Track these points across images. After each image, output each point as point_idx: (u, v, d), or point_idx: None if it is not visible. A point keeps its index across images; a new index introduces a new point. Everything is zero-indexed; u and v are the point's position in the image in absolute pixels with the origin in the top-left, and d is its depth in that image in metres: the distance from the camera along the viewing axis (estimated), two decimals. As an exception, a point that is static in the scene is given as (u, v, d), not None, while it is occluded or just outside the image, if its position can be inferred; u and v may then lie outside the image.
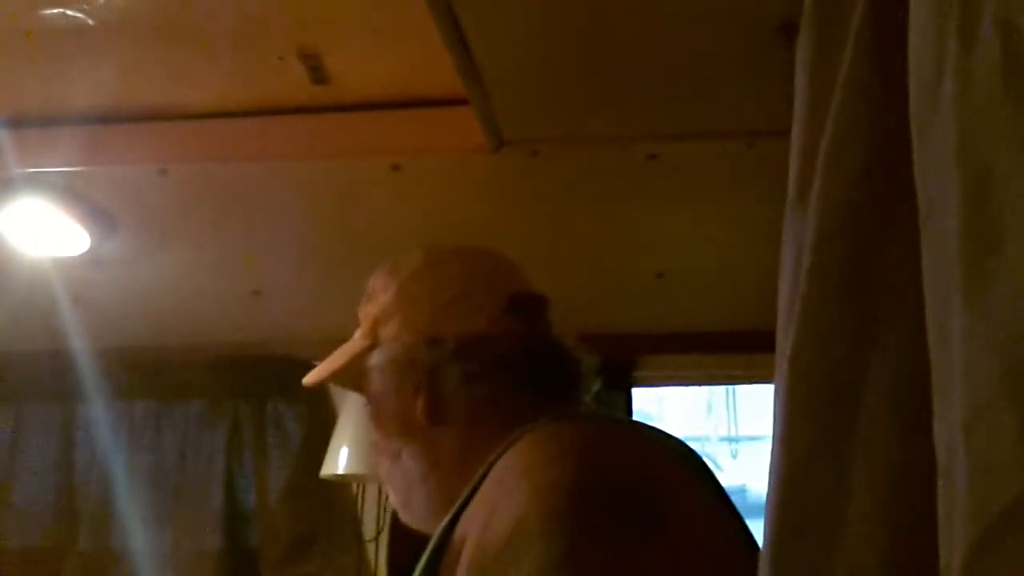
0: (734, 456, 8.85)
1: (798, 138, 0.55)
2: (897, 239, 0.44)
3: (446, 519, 0.93)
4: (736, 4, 1.18)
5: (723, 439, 9.08)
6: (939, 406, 0.37)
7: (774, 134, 1.44)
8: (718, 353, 2.31)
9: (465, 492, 0.93)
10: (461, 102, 1.42)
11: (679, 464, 0.94)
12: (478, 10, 1.19)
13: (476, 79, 1.31)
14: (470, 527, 0.88)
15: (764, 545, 0.48)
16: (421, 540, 0.98)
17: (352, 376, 1.10)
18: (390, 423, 1.06)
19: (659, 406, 8.03)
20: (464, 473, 0.95)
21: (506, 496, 0.85)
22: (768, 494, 0.49)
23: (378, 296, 1.09)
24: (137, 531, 2.42)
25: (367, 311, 1.10)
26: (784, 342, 0.50)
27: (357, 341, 1.10)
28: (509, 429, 0.94)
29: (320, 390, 2.49)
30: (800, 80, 0.56)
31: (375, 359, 1.07)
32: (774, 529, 0.46)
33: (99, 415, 2.46)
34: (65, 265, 1.91)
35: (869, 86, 0.47)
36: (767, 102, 1.38)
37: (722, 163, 1.57)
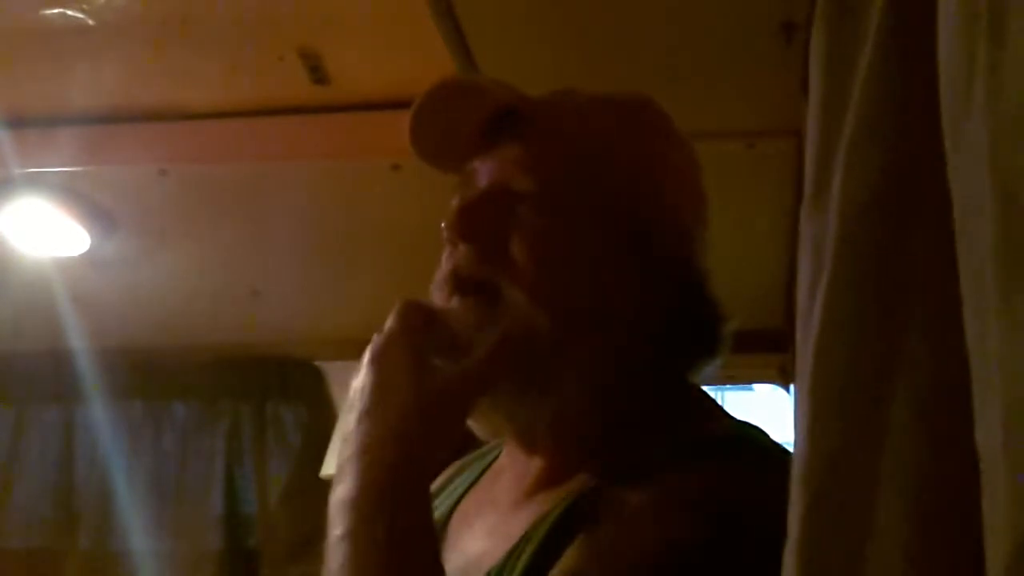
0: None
1: (814, 135, 0.54)
2: (922, 238, 0.44)
3: None
4: (736, 4, 1.17)
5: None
6: (980, 409, 0.36)
7: (774, 134, 1.45)
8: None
9: None
10: (461, 102, 1.41)
11: None
12: (478, 10, 1.19)
13: (476, 79, 1.31)
14: None
15: (792, 540, 0.47)
16: None
17: None
18: None
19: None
20: None
21: None
22: (794, 490, 0.48)
23: None
24: (137, 532, 2.41)
25: None
26: (805, 342, 0.49)
27: None
28: None
29: (320, 390, 2.49)
30: (815, 76, 0.55)
31: None
32: (803, 525, 0.46)
33: (99, 415, 2.46)
34: (65, 265, 1.91)
35: (891, 83, 0.47)
36: (767, 102, 1.38)
37: (722, 163, 1.57)
